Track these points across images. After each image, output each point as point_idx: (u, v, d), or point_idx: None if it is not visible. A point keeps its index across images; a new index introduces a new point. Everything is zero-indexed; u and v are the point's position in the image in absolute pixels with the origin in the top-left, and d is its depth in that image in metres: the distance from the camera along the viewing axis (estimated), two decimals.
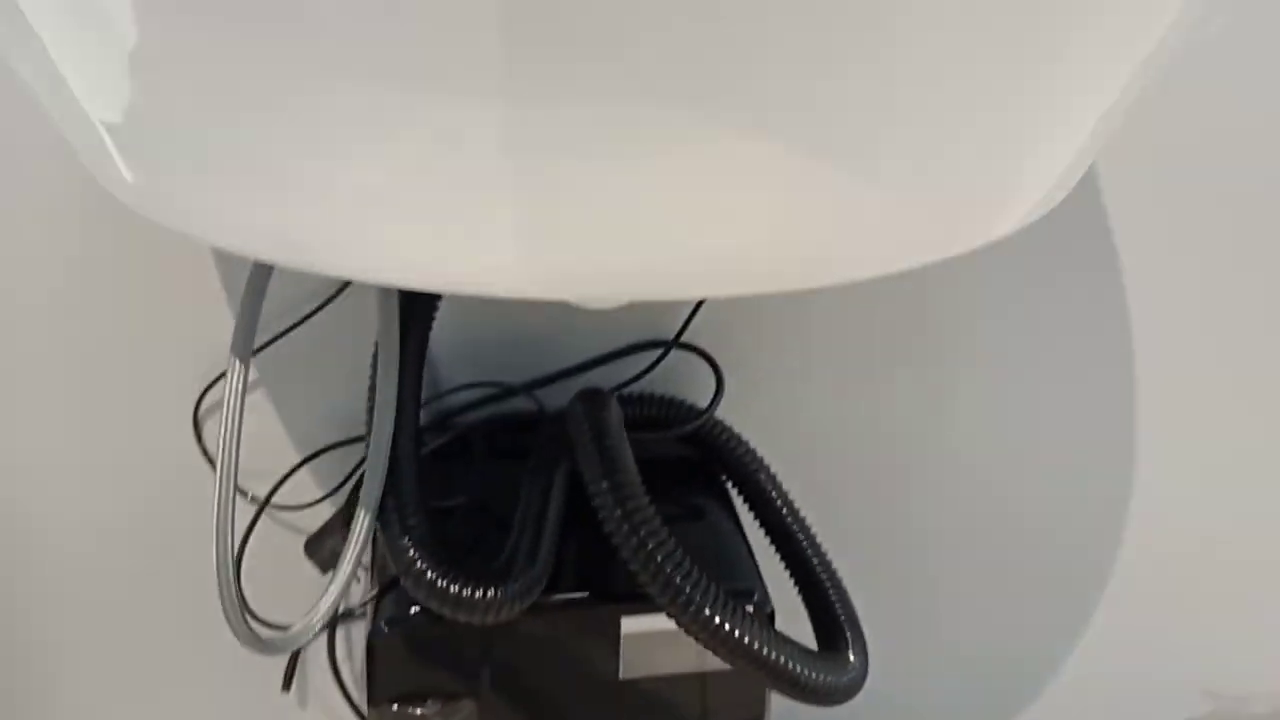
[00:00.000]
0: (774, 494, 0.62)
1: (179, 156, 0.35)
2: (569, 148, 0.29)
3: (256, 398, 0.63)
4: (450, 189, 0.31)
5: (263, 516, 0.64)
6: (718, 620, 0.49)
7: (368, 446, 0.50)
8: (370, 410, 0.52)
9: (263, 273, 0.42)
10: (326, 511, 0.66)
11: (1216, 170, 0.66)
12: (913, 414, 0.70)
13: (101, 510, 0.66)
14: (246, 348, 0.41)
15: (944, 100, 0.29)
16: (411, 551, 0.49)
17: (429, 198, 0.32)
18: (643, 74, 0.27)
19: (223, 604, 0.42)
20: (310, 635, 0.48)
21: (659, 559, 0.49)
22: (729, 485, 0.64)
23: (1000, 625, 0.81)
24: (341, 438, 0.65)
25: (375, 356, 0.54)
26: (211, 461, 0.63)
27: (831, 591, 0.60)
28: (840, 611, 0.59)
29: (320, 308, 0.61)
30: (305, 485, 0.65)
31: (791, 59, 0.27)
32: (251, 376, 0.63)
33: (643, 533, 0.49)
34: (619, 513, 0.49)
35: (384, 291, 0.49)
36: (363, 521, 0.49)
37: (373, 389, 0.53)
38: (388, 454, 0.50)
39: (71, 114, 0.36)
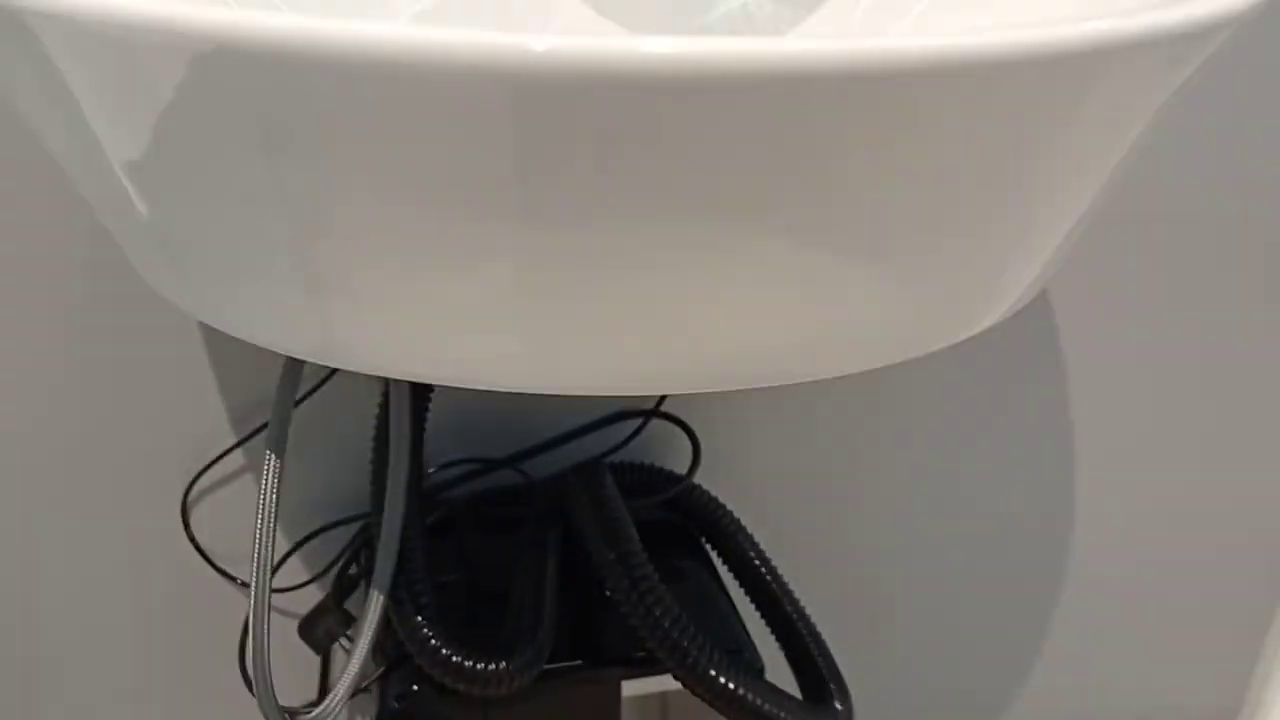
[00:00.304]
0: (752, 554, 0.65)
1: (220, 264, 0.37)
2: (579, 263, 0.32)
3: (244, 482, 0.64)
4: (473, 298, 0.34)
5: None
6: (722, 680, 0.52)
7: (379, 527, 0.51)
8: (378, 491, 0.53)
9: (295, 368, 0.43)
10: (311, 593, 0.67)
11: (1147, 240, 0.73)
12: (879, 474, 0.75)
13: (91, 598, 0.65)
14: (281, 443, 0.42)
15: (941, 224, 0.32)
16: (425, 629, 0.51)
17: (454, 304, 0.34)
18: (649, 196, 0.30)
19: (260, 701, 0.43)
20: (333, 717, 0.50)
21: (666, 625, 0.51)
22: (708, 546, 0.67)
23: (956, 668, 0.85)
24: (326, 520, 0.66)
25: (375, 439, 0.55)
26: (200, 549, 0.64)
27: (812, 644, 0.63)
28: (822, 663, 0.62)
29: (307, 395, 0.62)
30: (293, 567, 0.66)
31: (798, 188, 0.31)
32: (238, 463, 0.64)
33: (649, 600, 0.51)
34: (626, 583, 0.51)
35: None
36: (376, 601, 0.51)
37: (376, 471, 0.54)
38: (399, 534, 0.51)
39: (123, 220, 0.38)
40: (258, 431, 0.63)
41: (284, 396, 0.43)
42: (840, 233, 0.32)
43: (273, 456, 0.42)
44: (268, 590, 0.42)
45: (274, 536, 0.42)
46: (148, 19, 0.29)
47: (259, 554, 0.42)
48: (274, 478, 0.42)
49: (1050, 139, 0.30)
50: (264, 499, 0.42)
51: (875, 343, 0.36)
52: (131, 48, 0.31)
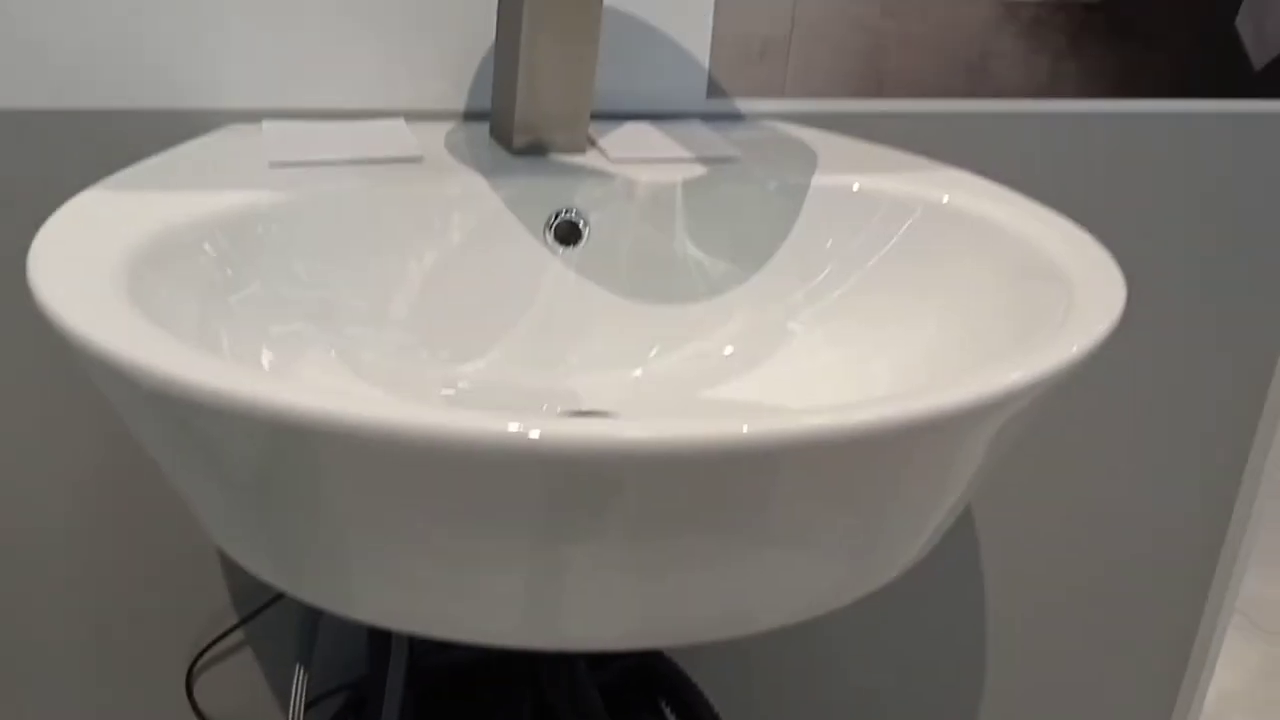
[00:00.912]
0: (705, 714, 0.72)
1: (283, 553, 0.43)
2: (576, 568, 0.39)
3: (245, 655, 0.70)
4: (484, 593, 0.40)
5: None
6: None
7: (384, 698, 0.58)
8: (375, 661, 0.59)
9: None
10: None
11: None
12: (816, 639, 0.83)
13: None
14: (308, 656, 0.49)
15: (876, 529, 0.41)
16: None
17: (468, 592, 0.41)
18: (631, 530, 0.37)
19: None
20: None
21: None
22: (665, 707, 0.74)
23: None
24: (322, 689, 0.72)
25: (371, 633, 0.62)
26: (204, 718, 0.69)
27: None
28: None
29: None
30: None
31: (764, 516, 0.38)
32: (239, 637, 0.70)
33: None
34: None
35: None
36: None
37: (373, 644, 0.61)
38: (399, 706, 0.58)
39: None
40: (260, 611, 0.69)
41: (308, 624, 0.49)
42: (801, 538, 0.40)
43: (301, 669, 0.49)
44: None
45: None
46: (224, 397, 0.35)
47: None
48: (302, 688, 0.48)
49: (955, 464, 0.39)
50: (294, 707, 0.48)
51: (821, 598, 0.44)
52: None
